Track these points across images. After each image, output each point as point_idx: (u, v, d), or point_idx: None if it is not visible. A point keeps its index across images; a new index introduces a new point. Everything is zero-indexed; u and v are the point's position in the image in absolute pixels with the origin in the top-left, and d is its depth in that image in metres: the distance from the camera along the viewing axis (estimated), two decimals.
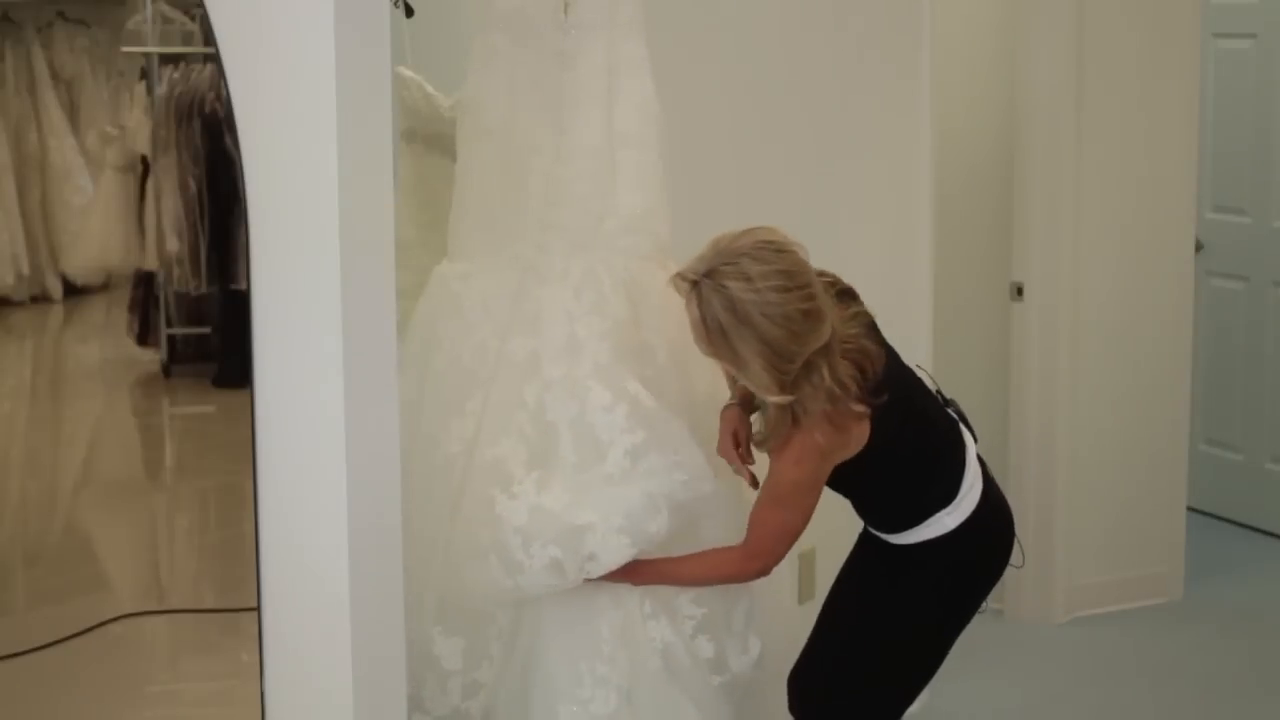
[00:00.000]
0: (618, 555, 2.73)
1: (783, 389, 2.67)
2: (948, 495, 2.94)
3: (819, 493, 2.83)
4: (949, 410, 3.04)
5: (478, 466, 2.80)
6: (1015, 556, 3.08)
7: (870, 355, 2.75)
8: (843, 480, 2.86)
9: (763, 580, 2.97)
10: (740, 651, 2.93)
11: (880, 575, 3.04)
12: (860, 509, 3.02)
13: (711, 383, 3.02)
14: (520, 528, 2.71)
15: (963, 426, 3.04)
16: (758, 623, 2.97)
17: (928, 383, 3.04)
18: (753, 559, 2.84)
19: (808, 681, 3.08)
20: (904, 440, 2.86)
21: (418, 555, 2.85)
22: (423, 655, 2.82)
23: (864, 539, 3.11)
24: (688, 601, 2.88)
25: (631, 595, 2.82)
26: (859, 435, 2.77)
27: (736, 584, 2.90)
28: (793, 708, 3.11)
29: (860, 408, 2.74)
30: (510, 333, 2.87)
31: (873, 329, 2.83)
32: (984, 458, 3.06)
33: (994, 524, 3.02)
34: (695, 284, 2.66)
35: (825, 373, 2.68)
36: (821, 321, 2.67)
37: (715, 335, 2.66)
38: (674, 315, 2.97)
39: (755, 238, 2.68)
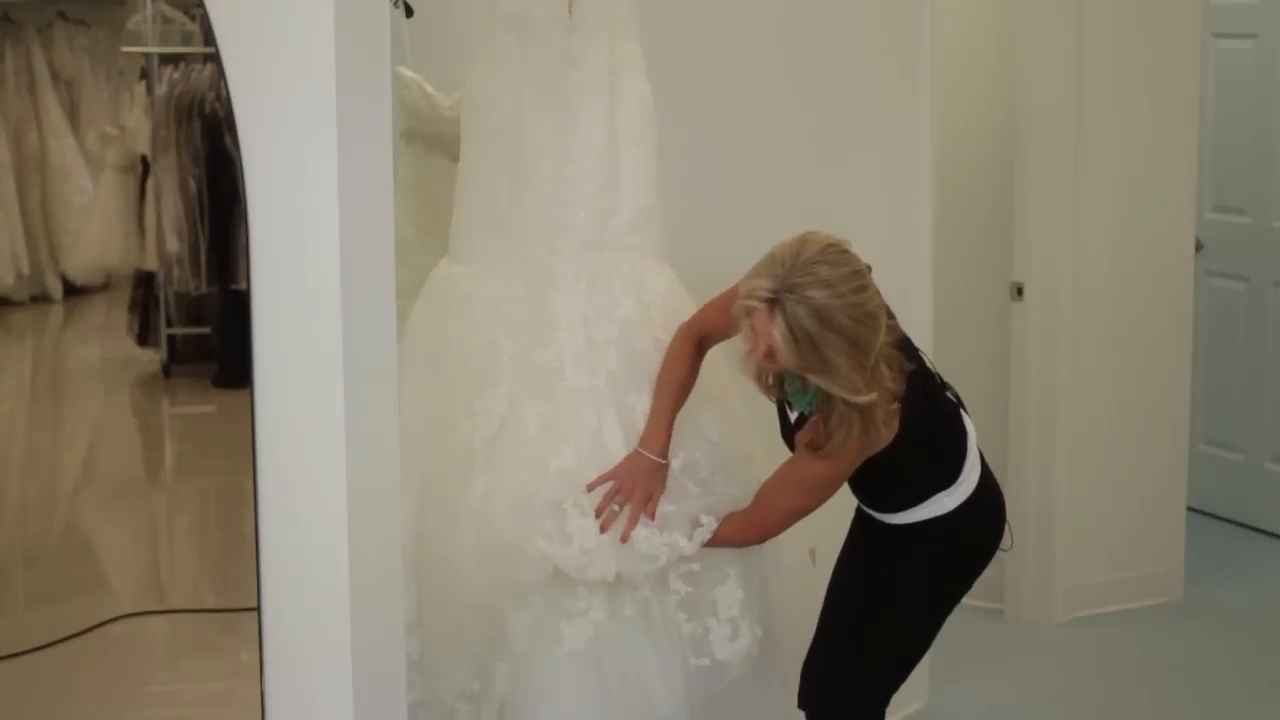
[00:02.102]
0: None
1: (868, 387, 2.66)
2: (948, 479, 2.97)
3: (841, 484, 2.85)
4: (948, 394, 3.05)
5: (542, 478, 2.79)
6: (1004, 540, 3.11)
7: (895, 364, 2.75)
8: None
9: (776, 571, 3.01)
10: (728, 638, 2.91)
11: (878, 555, 3.06)
12: (859, 490, 3.03)
13: (717, 378, 3.03)
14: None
15: (962, 411, 3.06)
16: (756, 612, 2.96)
17: (929, 367, 3.05)
18: (753, 529, 2.87)
19: (819, 672, 3.08)
20: (918, 432, 2.86)
21: (434, 554, 2.84)
22: (494, 645, 2.81)
23: (859, 522, 3.12)
24: (676, 576, 2.88)
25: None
26: (891, 431, 2.79)
27: (725, 564, 2.92)
28: (802, 700, 3.10)
29: (896, 406, 2.75)
30: (532, 337, 2.86)
31: (904, 343, 2.84)
32: (981, 447, 3.08)
33: (989, 507, 3.05)
34: (774, 301, 2.62)
35: (885, 369, 2.69)
36: (884, 313, 2.71)
37: (805, 347, 2.61)
38: (681, 313, 2.99)
39: (818, 244, 2.66)
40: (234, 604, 2.61)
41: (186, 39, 3.03)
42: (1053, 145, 4.81)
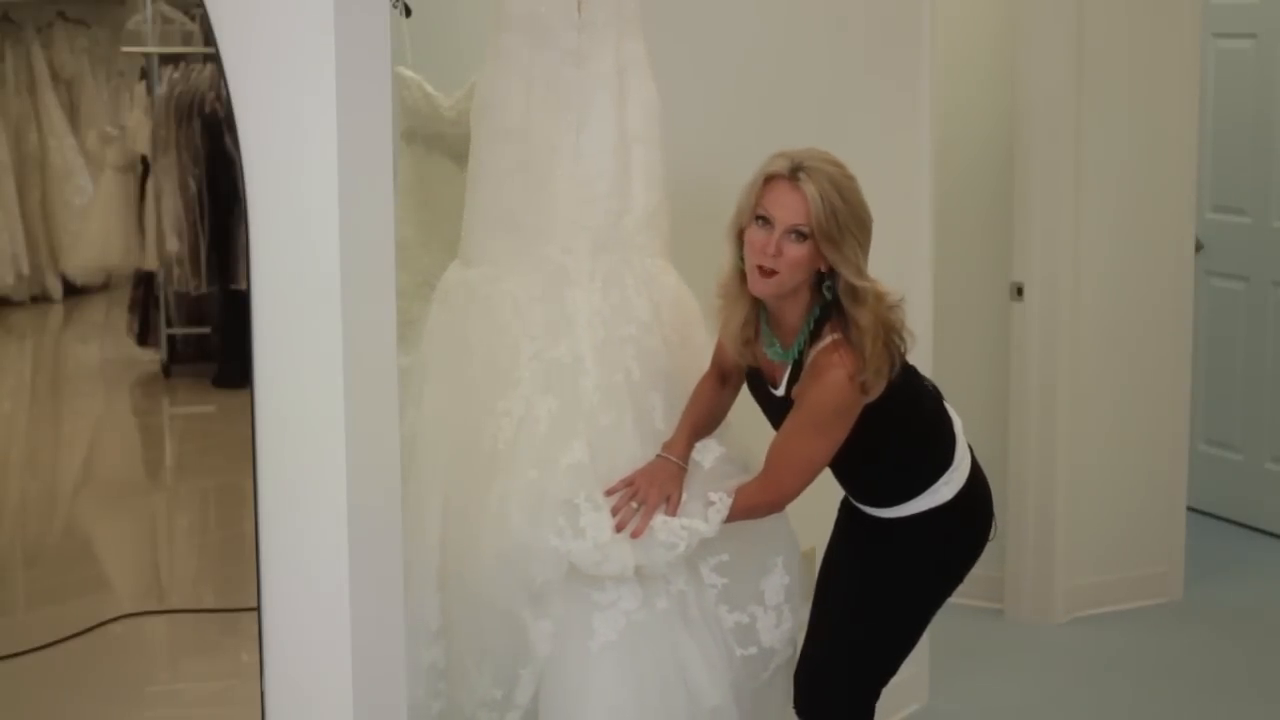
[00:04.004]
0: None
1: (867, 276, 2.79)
2: (945, 462, 2.99)
3: (851, 423, 2.83)
4: (926, 383, 3.10)
5: (554, 473, 2.79)
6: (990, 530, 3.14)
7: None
8: (852, 443, 2.86)
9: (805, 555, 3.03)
10: (774, 625, 2.95)
11: (876, 551, 3.05)
12: (858, 485, 3.03)
13: None
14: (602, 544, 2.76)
15: (943, 401, 3.10)
16: (797, 598, 2.99)
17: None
18: (769, 490, 2.86)
19: (816, 673, 3.08)
20: (907, 398, 2.91)
21: (457, 559, 2.84)
22: (517, 652, 2.81)
23: (850, 521, 3.12)
24: (709, 570, 2.90)
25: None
26: (889, 371, 2.82)
27: (772, 552, 2.95)
28: (799, 703, 3.10)
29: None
30: (550, 336, 2.87)
31: None
32: (982, 456, 3.11)
33: (981, 496, 3.08)
34: (795, 170, 2.75)
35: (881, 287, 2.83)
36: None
37: (827, 213, 2.73)
38: (687, 313, 3.00)
39: (821, 150, 2.83)
40: (234, 604, 2.61)
41: (186, 39, 3.03)
42: (1053, 145, 4.81)
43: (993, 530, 3.12)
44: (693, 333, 3.03)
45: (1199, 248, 5.28)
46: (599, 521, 2.75)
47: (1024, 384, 4.93)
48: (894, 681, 3.18)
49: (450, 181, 3.18)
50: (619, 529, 2.75)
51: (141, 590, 3.10)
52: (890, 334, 2.79)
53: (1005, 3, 4.89)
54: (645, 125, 2.98)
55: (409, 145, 3.43)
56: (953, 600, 3.14)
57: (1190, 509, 5.32)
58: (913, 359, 3.06)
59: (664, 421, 2.91)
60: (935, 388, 3.10)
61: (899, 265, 4.08)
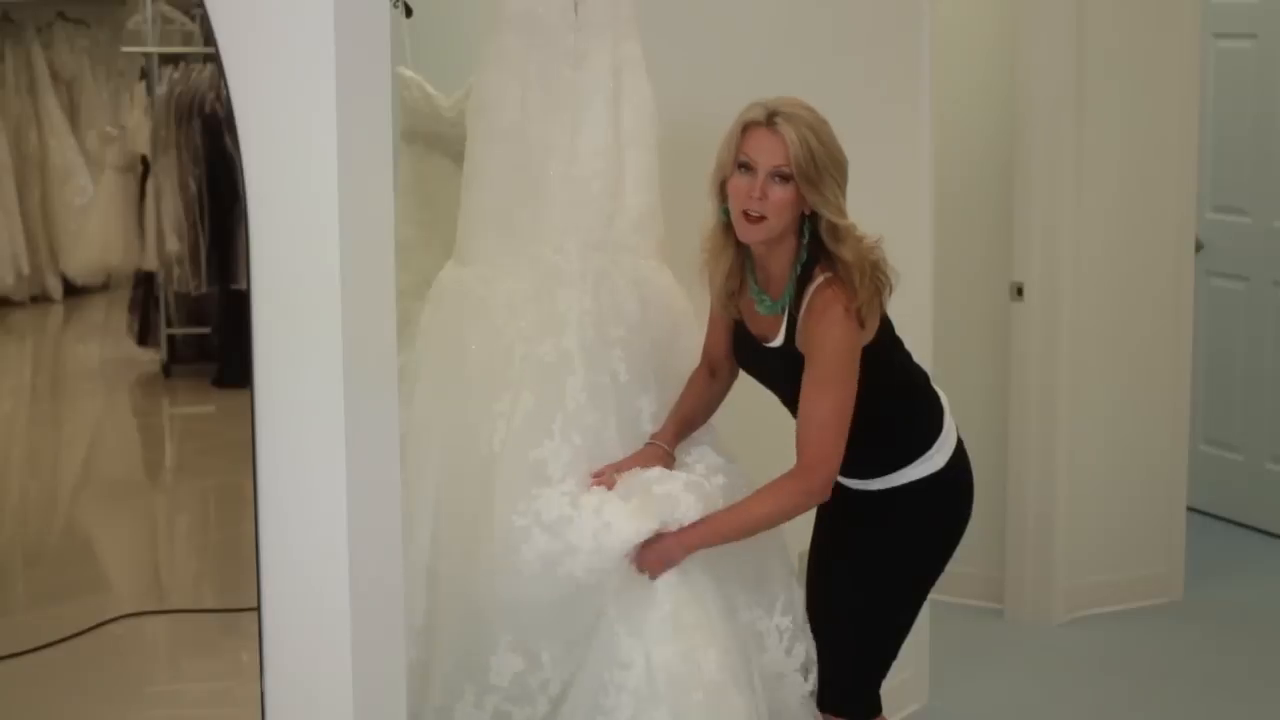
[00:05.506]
0: (637, 527, 2.75)
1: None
2: (938, 427, 3.02)
3: (858, 365, 2.83)
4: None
5: (520, 466, 2.80)
6: None
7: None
8: (856, 407, 2.85)
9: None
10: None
11: (883, 527, 3.04)
12: (864, 451, 2.98)
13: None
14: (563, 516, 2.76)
15: None
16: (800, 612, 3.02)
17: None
18: (812, 472, 2.82)
19: (834, 661, 3.06)
20: (901, 353, 2.96)
21: (460, 565, 2.85)
22: (515, 669, 2.80)
23: (834, 515, 3.10)
24: (779, 614, 2.95)
25: (700, 577, 2.82)
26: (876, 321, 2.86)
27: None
28: (821, 699, 3.07)
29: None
30: (538, 334, 2.87)
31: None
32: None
33: (967, 464, 3.11)
34: (772, 116, 2.80)
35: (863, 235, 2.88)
36: None
37: (806, 155, 2.77)
38: (679, 314, 3.00)
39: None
40: (234, 604, 2.61)
41: (186, 39, 3.04)
42: (1053, 145, 4.81)
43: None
44: (683, 335, 3.04)
45: (1199, 248, 5.29)
46: (588, 498, 2.77)
47: (1024, 384, 4.93)
48: (894, 682, 3.18)
49: (450, 181, 3.18)
50: (596, 484, 2.79)
51: (141, 590, 3.10)
52: (875, 271, 2.83)
53: (1005, 4, 4.89)
54: (640, 127, 3.00)
55: (409, 145, 3.43)
56: (953, 600, 3.15)
57: (1190, 509, 5.32)
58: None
59: (651, 424, 2.94)
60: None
61: (900, 266, 4.08)
